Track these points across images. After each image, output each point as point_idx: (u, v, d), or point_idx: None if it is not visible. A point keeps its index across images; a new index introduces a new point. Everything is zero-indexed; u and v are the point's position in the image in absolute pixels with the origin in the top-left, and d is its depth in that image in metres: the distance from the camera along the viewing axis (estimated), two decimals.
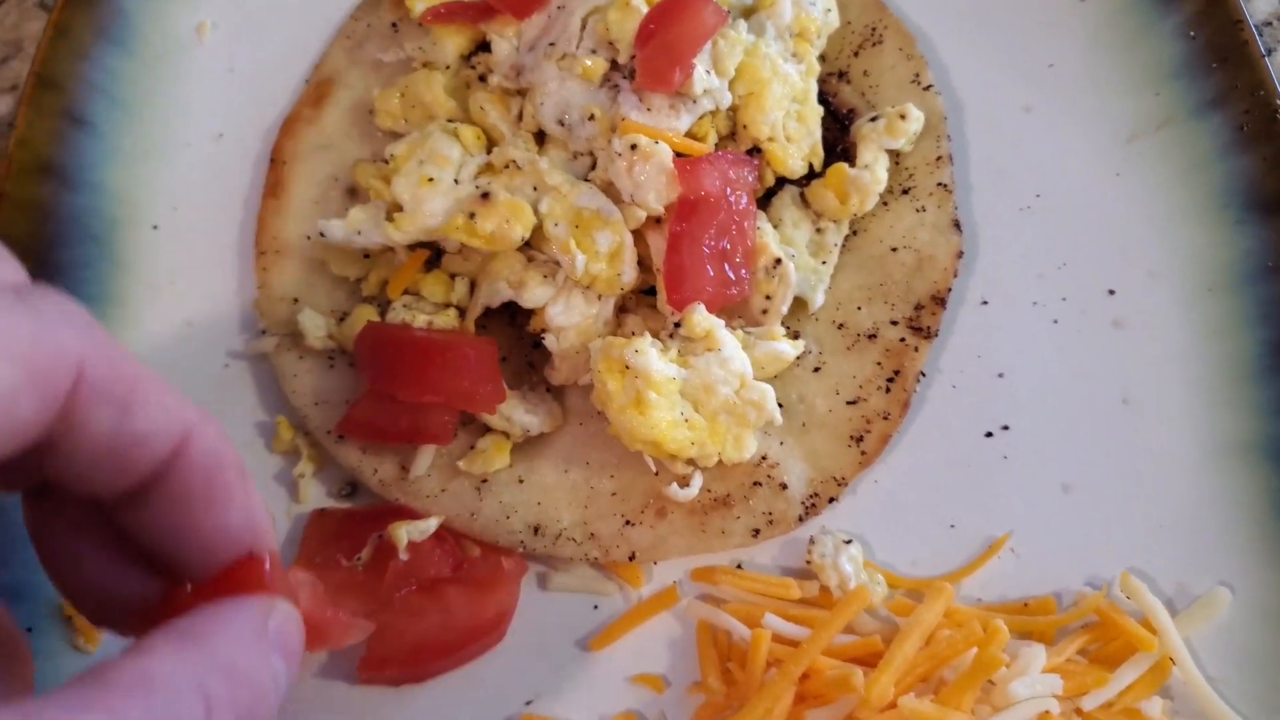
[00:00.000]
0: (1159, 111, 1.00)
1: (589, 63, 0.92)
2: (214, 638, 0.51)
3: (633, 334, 0.88)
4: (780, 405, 0.89)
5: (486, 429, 0.91)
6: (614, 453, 0.90)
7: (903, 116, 0.95)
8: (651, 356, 0.84)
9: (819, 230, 0.95)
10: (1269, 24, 1.09)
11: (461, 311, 0.94)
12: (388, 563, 0.86)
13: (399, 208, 0.92)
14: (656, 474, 0.89)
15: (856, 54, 1.02)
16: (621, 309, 0.93)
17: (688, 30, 0.89)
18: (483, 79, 0.99)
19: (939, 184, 0.96)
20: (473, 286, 0.94)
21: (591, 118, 0.91)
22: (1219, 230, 0.96)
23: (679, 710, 0.85)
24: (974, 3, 1.06)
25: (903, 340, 0.91)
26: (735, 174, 0.90)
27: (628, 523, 0.88)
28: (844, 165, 0.94)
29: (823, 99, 0.98)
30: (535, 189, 0.91)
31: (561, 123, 0.93)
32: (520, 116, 0.95)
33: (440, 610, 0.86)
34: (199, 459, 0.54)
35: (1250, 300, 0.93)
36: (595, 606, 0.89)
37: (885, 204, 0.96)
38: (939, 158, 0.97)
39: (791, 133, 0.95)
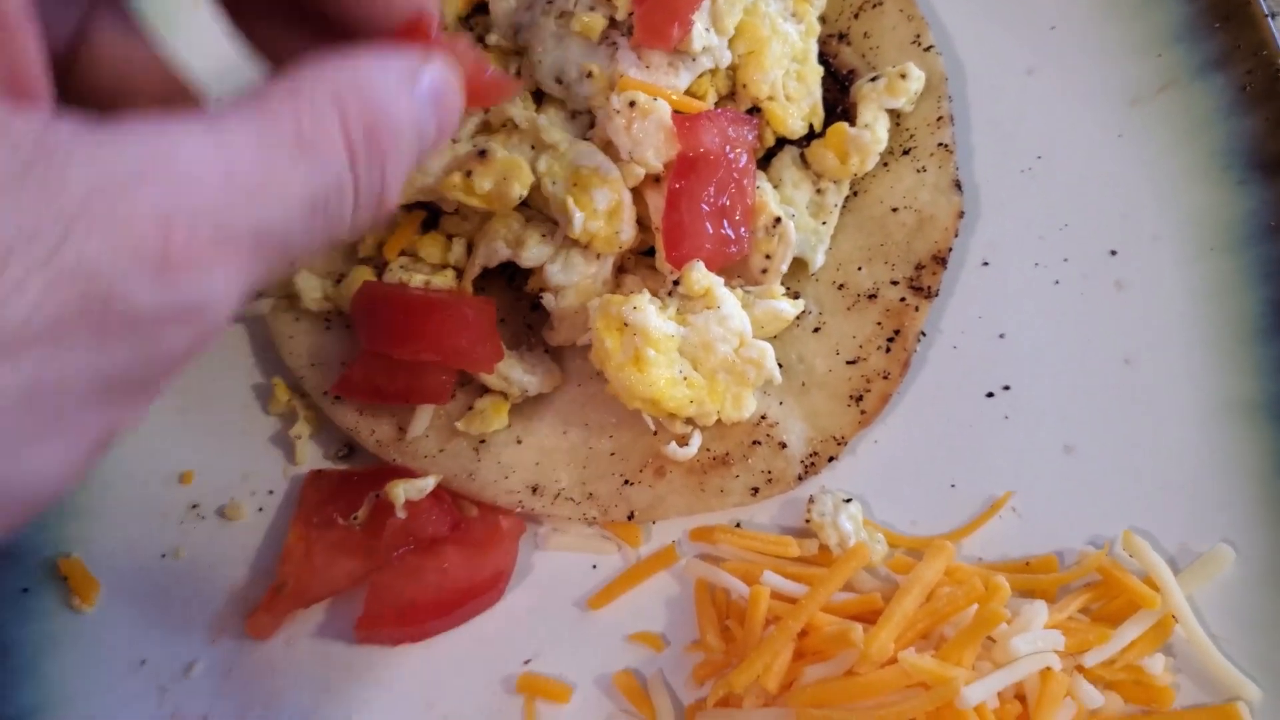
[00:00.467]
0: (1161, 73, 0.99)
1: (587, 19, 0.91)
2: (361, 69, 0.54)
3: (631, 293, 0.88)
4: (780, 365, 0.88)
5: (484, 389, 0.91)
6: (612, 413, 0.90)
7: (903, 76, 0.94)
8: (650, 313, 0.83)
9: (819, 191, 0.95)
10: None
11: (459, 272, 0.93)
12: (385, 522, 0.86)
13: None
14: (655, 433, 0.88)
15: (857, 15, 1.01)
16: (620, 269, 0.93)
17: None
18: (481, 40, 0.98)
19: (940, 144, 0.95)
20: (470, 247, 0.94)
21: (590, 75, 0.91)
22: (1221, 191, 0.95)
23: (678, 668, 0.84)
24: None
25: (903, 300, 0.91)
26: (735, 132, 0.89)
27: (626, 482, 0.88)
28: (844, 125, 0.93)
29: (823, 60, 0.98)
30: (533, 147, 0.90)
31: (560, 81, 0.92)
32: (519, 75, 0.94)
33: (438, 569, 0.85)
34: None
35: (1252, 260, 0.92)
36: (594, 566, 0.88)
37: (886, 165, 0.95)
38: (940, 118, 0.96)
39: (791, 92, 0.94)
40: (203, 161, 0.47)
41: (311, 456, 0.93)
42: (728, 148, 0.88)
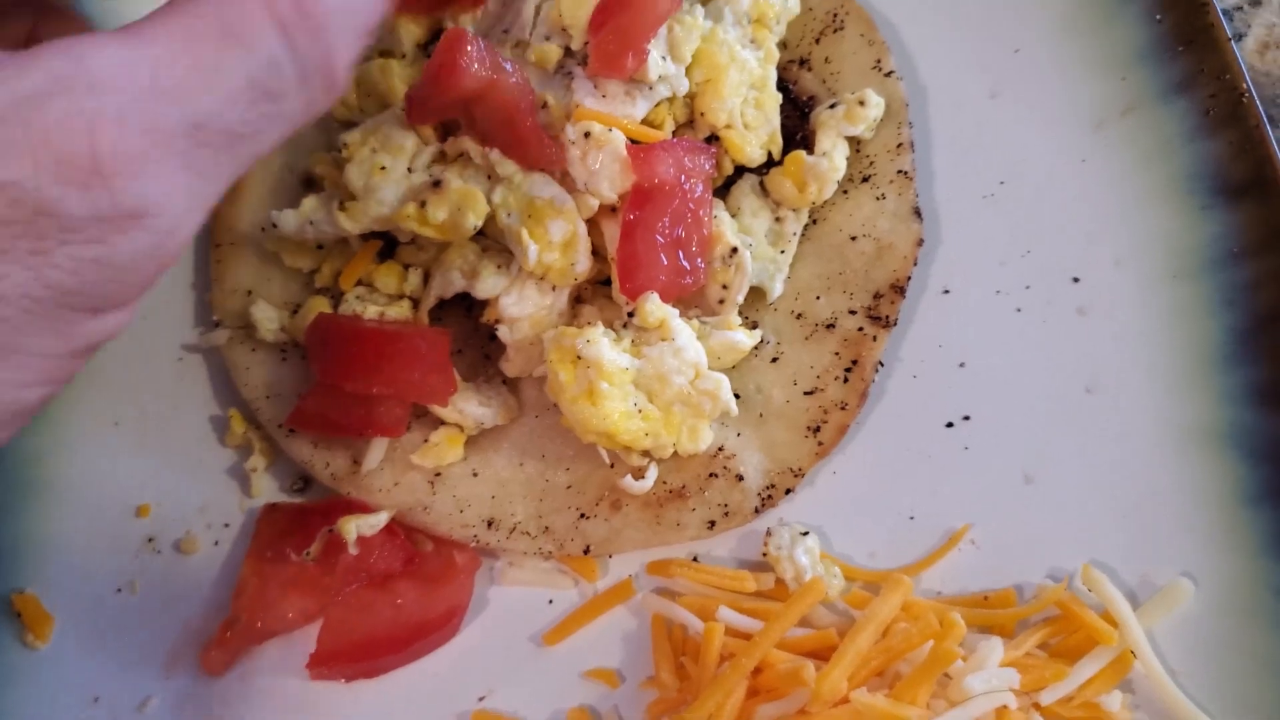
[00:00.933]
0: (1125, 96, 0.99)
1: (542, 49, 0.90)
2: None
3: (587, 324, 0.87)
4: (738, 396, 0.88)
5: (440, 422, 0.90)
6: (569, 445, 0.89)
7: (862, 103, 0.94)
8: (603, 346, 0.83)
9: (778, 219, 0.94)
10: (1239, 8, 1.07)
11: (415, 303, 0.93)
12: (338, 557, 0.85)
13: (352, 196, 0.90)
14: (612, 466, 0.88)
15: (818, 40, 1.00)
16: (578, 299, 0.92)
17: (641, 16, 0.87)
18: None
19: (899, 171, 0.94)
20: (427, 278, 0.93)
21: (545, 105, 0.90)
22: (1185, 216, 0.94)
23: (633, 705, 0.84)
24: None
25: (861, 330, 0.90)
26: (691, 161, 0.88)
27: (582, 516, 0.87)
28: (802, 153, 0.93)
29: (783, 86, 0.97)
30: (489, 178, 0.89)
31: None
32: None
33: (391, 605, 0.85)
34: None
35: (1215, 286, 0.92)
36: (550, 601, 0.88)
37: (845, 192, 0.95)
38: (900, 145, 0.95)
39: (750, 120, 0.93)
40: (123, 65, 0.47)
41: (267, 489, 0.92)
42: (683, 178, 0.87)
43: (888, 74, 0.98)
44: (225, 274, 0.97)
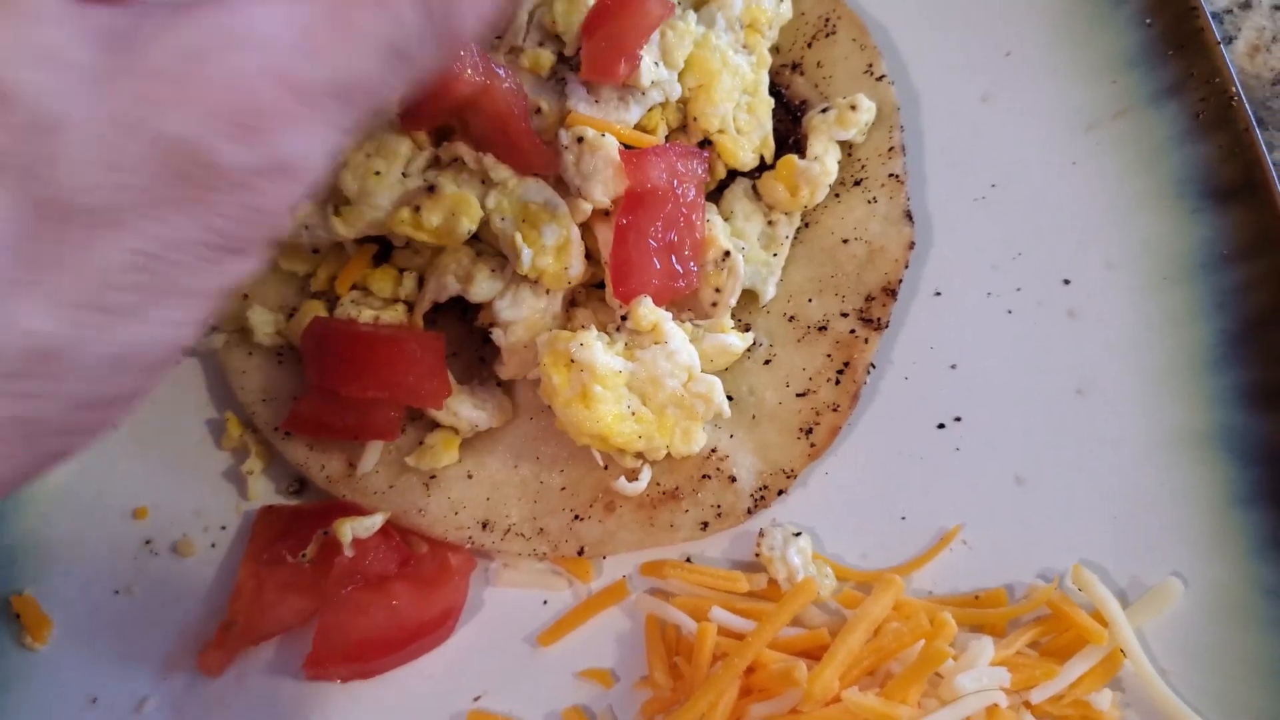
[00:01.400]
0: (1116, 100, 0.99)
1: (535, 55, 0.91)
2: None
3: (581, 327, 0.88)
4: (730, 398, 0.88)
5: (435, 424, 0.91)
6: (564, 447, 0.90)
7: (853, 107, 0.94)
8: (597, 350, 0.83)
9: (770, 222, 0.95)
10: (1228, 11, 1.08)
11: (410, 306, 0.93)
12: (334, 559, 0.85)
13: (346, 201, 0.91)
14: (605, 468, 0.88)
15: (810, 45, 1.01)
16: (572, 302, 0.93)
17: (633, 21, 0.88)
18: None
19: (891, 175, 0.95)
20: (421, 282, 0.94)
21: (539, 110, 0.91)
22: (1175, 219, 0.95)
23: (627, 705, 0.84)
24: None
25: (853, 332, 0.90)
26: (683, 166, 0.89)
27: (576, 517, 0.88)
28: (794, 157, 0.93)
29: (775, 91, 0.98)
30: (483, 183, 0.90)
31: None
32: None
33: (386, 606, 0.85)
34: None
35: (1205, 289, 0.92)
36: (544, 602, 0.88)
37: (837, 196, 0.95)
38: (891, 149, 0.96)
39: (742, 125, 0.94)
40: (274, 22, 0.49)
41: (264, 492, 0.93)
42: (676, 182, 0.88)
43: (879, 78, 0.98)
44: None
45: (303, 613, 0.86)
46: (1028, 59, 1.02)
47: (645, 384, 0.85)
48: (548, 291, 0.90)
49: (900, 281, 0.92)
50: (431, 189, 0.88)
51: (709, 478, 0.88)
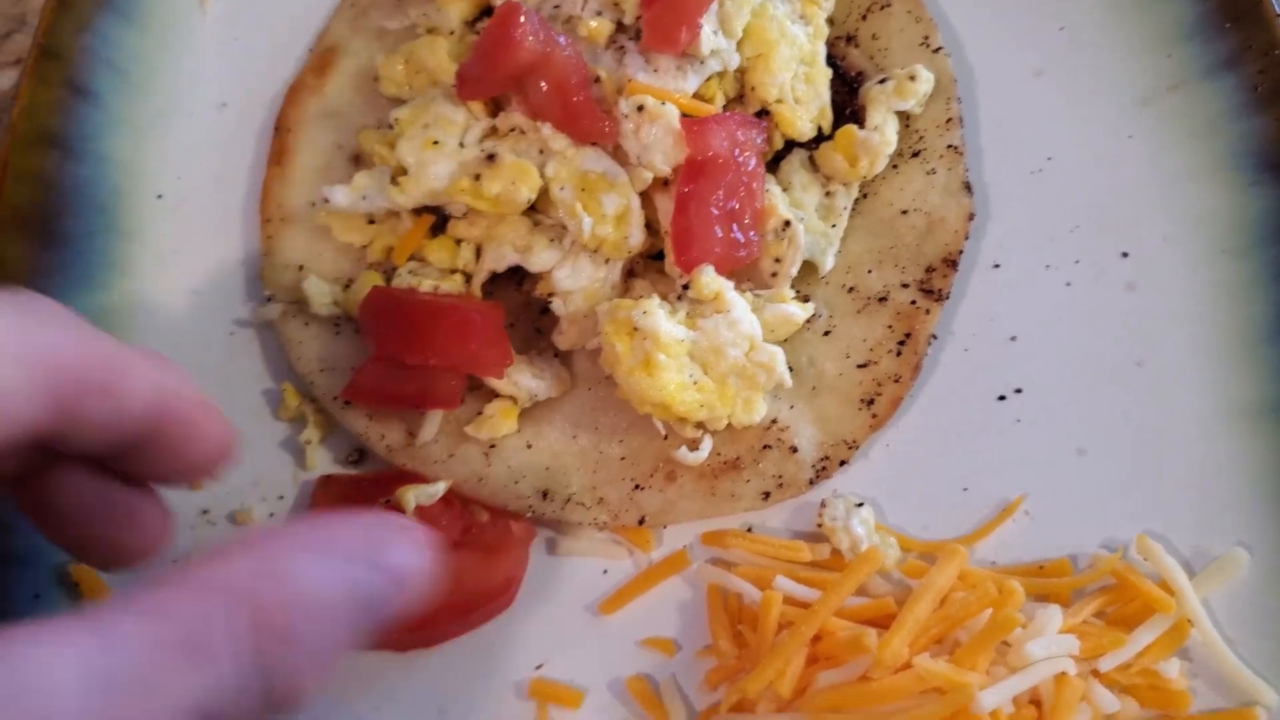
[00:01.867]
0: (1171, 73, 0.99)
1: (594, 25, 0.91)
2: (279, 546, 0.50)
3: (640, 297, 0.88)
4: (790, 369, 0.88)
5: (493, 394, 0.90)
6: (623, 417, 0.89)
7: (912, 78, 0.94)
8: (660, 318, 0.83)
9: (828, 194, 0.94)
10: None
11: (467, 277, 0.93)
12: None
13: (404, 172, 0.91)
14: (666, 438, 0.88)
15: (865, 17, 1.01)
16: (629, 273, 0.93)
17: None
18: None
19: (949, 146, 0.95)
20: (478, 252, 0.93)
21: (598, 80, 0.90)
22: (1232, 192, 0.94)
23: (690, 673, 0.84)
24: None
25: (913, 303, 0.90)
26: (743, 135, 0.89)
27: (637, 487, 0.88)
28: (853, 127, 0.93)
29: (831, 62, 0.98)
30: (541, 152, 0.90)
31: None
32: None
33: (449, 575, 0.85)
34: (178, 412, 0.61)
35: (1263, 262, 0.92)
36: (605, 571, 0.88)
37: (895, 167, 0.95)
38: (949, 120, 0.96)
39: (800, 95, 0.94)
40: (75, 670, 0.43)
41: (322, 462, 0.93)
42: (736, 151, 0.88)
43: (935, 50, 0.98)
44: (276, 249, 0.98)
45: None
46: (1081, 33, 1.02)
47: (707, 353, 0.85)
48: (607, 261, 0.90)
49: (960, 253, 0.91)
50: (491, 158, 0.88)
51: (770, 448, 0.87)
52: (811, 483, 0.87)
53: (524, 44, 0.85)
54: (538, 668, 0.85)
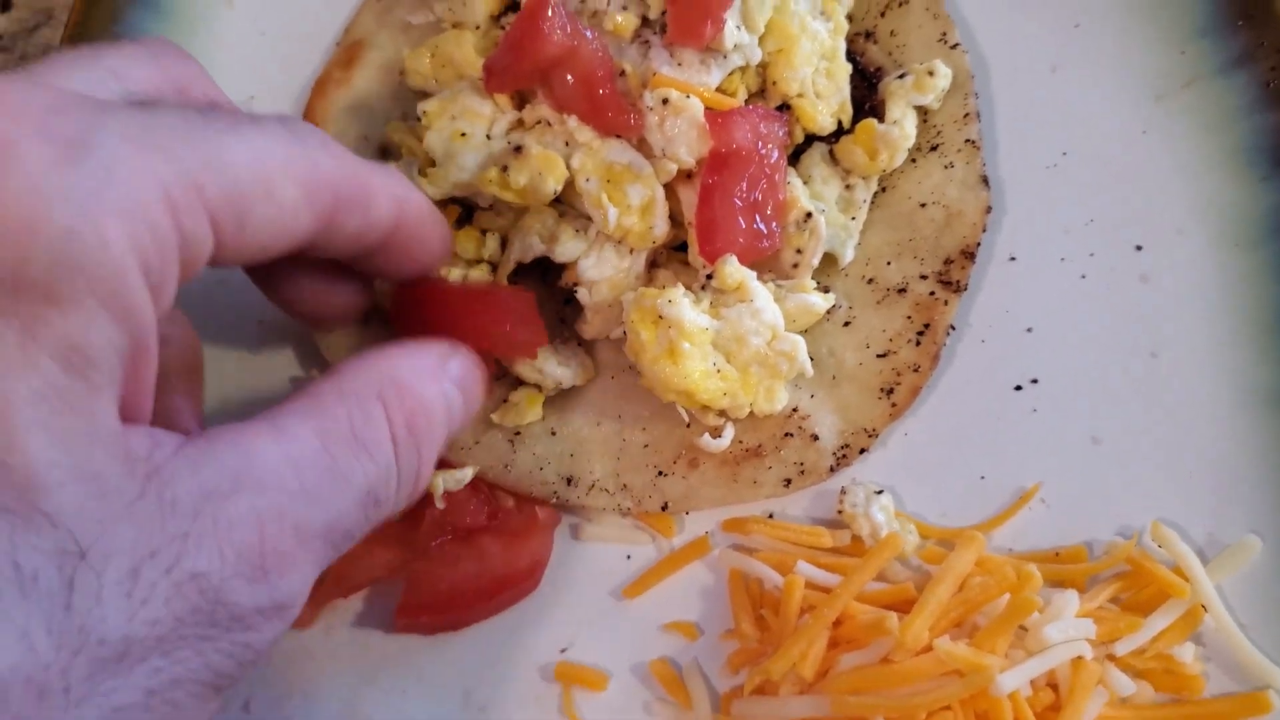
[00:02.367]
0: (1185, 70, 1.00)
1: (620, 19, 0.92)
2: (398, 364, 0.65)
3: (664, 287, 0.89)
4: (811, 358, 0.89)
5: (519, 382, 0.92)
6: (646, 405, 0.91)
7: (931, 73, 0.96)
8: (684, 306, 0.85)
9: (848, 187, 0.96)
10: None
11: (494, 267, 0.94)
12: (423, 512, 0.87)
13: (432, 163, 0.92)
14: (688, 425, 0.90)
15: (883, 14, 1.02)
16: (653, 263, 0.94)
17: None
18: None
19: (967, 140, 0.96)
20: (504, 243, 0.95)
21: (623, 74, 0.92)
22: (1245, 186, 0.96)
23: (713, 656, 0.85)
24: None
25: (932, 294, 0.92)
26: (766, 128, 0.90)
27: (660, 473, 0.89)
28: (873, 121, 0.94)
29: (850, 58, 0.99)
30: (566, 144, 0.91)
31: None
32: None
33: (475, 559, 0.87)
34: (412, 220, 0.72)
35: (1274, 254, 0.93)
36: (628, 556, 0.90)
37: (913, 161, 0.97)
38: (966, 115, 0.97)
39: (820, 89, 0.95)
40: (278, 465, 0.53)
41: None
42: (759, 143, 0.89)
43: (953, 46, 1.00)
44: None
45: (391, 565, 0.88)
46: (1097, 29, 1.03)
47: (730, 342, 0.87)
48: (631, 251, 0.91)
49: (978, 245, 0.93)
50: (518, 150, 0.90)
51: (791, 436, 0.89)
52: (832, 470, 0.89)
53: (551, 37, 0.86)
54: (562, 651, 0.87)
